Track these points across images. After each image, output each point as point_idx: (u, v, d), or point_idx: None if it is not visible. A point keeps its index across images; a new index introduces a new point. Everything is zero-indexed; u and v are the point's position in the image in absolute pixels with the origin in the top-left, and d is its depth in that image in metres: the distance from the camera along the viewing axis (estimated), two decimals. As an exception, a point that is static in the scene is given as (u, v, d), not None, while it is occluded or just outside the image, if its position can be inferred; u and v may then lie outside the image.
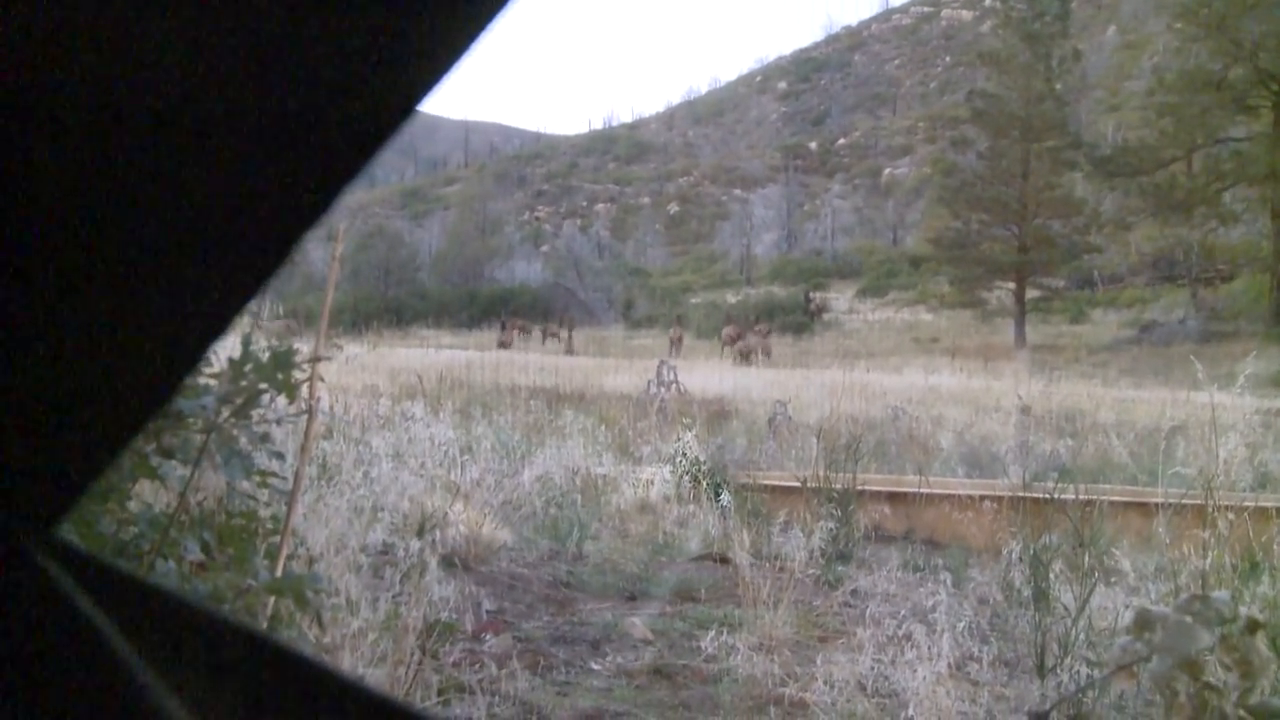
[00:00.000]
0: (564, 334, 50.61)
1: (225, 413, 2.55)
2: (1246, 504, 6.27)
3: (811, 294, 63.66)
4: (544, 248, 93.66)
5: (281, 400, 2.69)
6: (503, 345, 46.79)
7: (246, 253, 0.84)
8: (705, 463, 10.35)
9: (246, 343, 2.51)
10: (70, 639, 0.85)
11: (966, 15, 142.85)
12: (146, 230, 0.81)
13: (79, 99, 0.75)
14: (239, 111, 0.77)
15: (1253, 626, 1.92)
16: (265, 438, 2.76)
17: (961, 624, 5.40)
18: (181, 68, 0.75)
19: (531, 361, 29.46)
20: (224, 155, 0.79)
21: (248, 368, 2.49)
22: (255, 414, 2.70)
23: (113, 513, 2.64)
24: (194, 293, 0.85)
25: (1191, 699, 1.89)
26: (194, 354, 0.93)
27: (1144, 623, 1.96)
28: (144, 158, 0.78)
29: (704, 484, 9.89)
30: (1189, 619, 1.90)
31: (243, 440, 2.65)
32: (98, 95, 0.75)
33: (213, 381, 2.53)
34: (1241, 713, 1.92)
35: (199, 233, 0.82)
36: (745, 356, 40.38)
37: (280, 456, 2.97)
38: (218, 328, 0.89)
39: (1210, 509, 5.75)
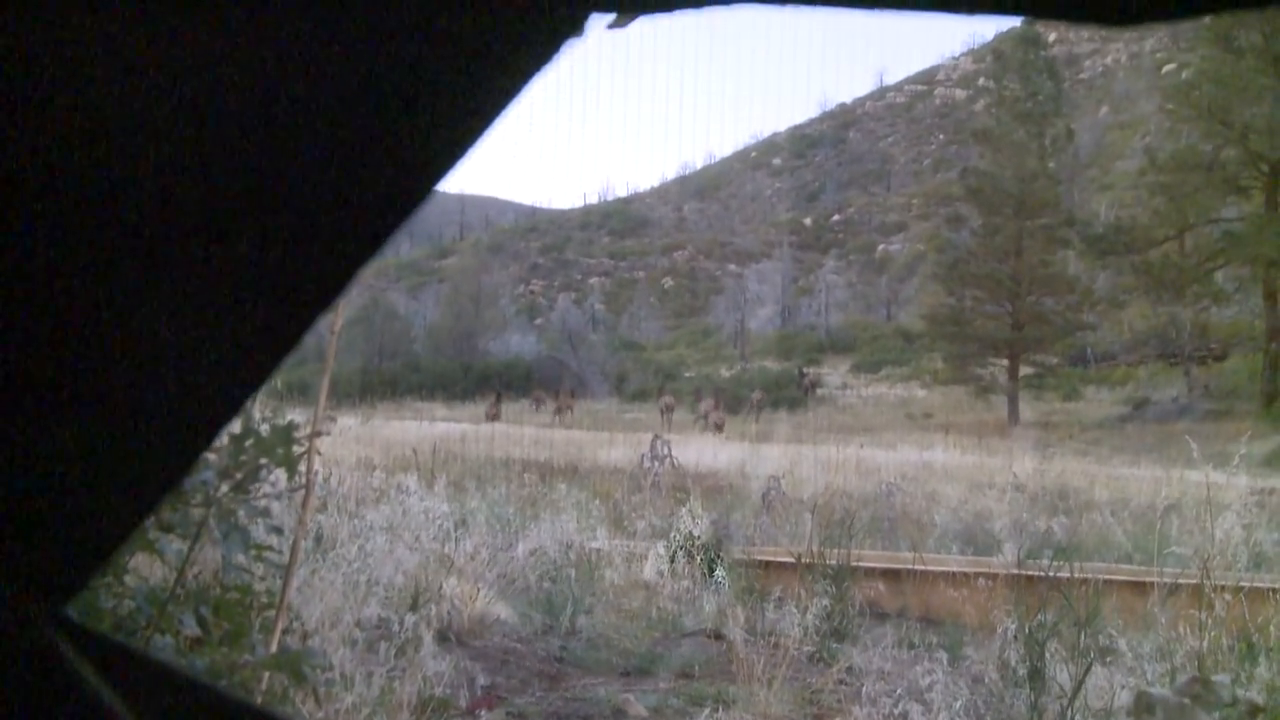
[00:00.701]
0: (563, 406, 51.03)
1: (225, 487, 2.55)
2: (1243, 584, 6.25)
3: (805, 369, 63.62)
4: (539, 321, 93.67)
5: (280, 474, 2.69)
6: (491, 418, 47.42)
7: (259, 334, 0.85)
8: (699, 538, 10.32)
9: (247, 417, 2.52)
10: (81, 717, 0.85)
11: (960, 94, 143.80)
12: (160, 313, 0.82)
13: (91, 187, 0.76)
14: (253, 196, 0.78)
15: (1253, 711, 1.91)
16: (265, 512, 2.76)
17: (958, 703, 5.38)
18: (193, 152, 0.76)
19: (525, 434, 29.42)
20: (239, 239, 0.80)
21: (248, 442, 2.50)
22: (253, 488, 2.70)
23: (110, 587, 2.64)
24: (208, 373, 0.86)
25: (1191, 782, 1.88)
26: (207, 434, 0.94)
27: (1143, 705, 1.96)
28: (159, 241, 0.79)
29: (698, 559, 9.87)
30: (1188, 702, 1.90)
31: (241, 515, 2.65)
32: (110, 181, 0.76)
33: (212, 456, 2.53)
34: (1241, 797, 1.91)
35: (212, 315, 0.83)
36: (719, 427, 41.80)
37: (279, 531, 2.97)
38: (231, 408, 0.90)
39: (1206, 589, 5.74)
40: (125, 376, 0.84)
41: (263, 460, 2.51)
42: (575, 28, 0.78)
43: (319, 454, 3.47)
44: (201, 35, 0.73)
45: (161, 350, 0.84)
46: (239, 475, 2.53)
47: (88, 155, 0.75)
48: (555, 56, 0.79)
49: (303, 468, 3.05)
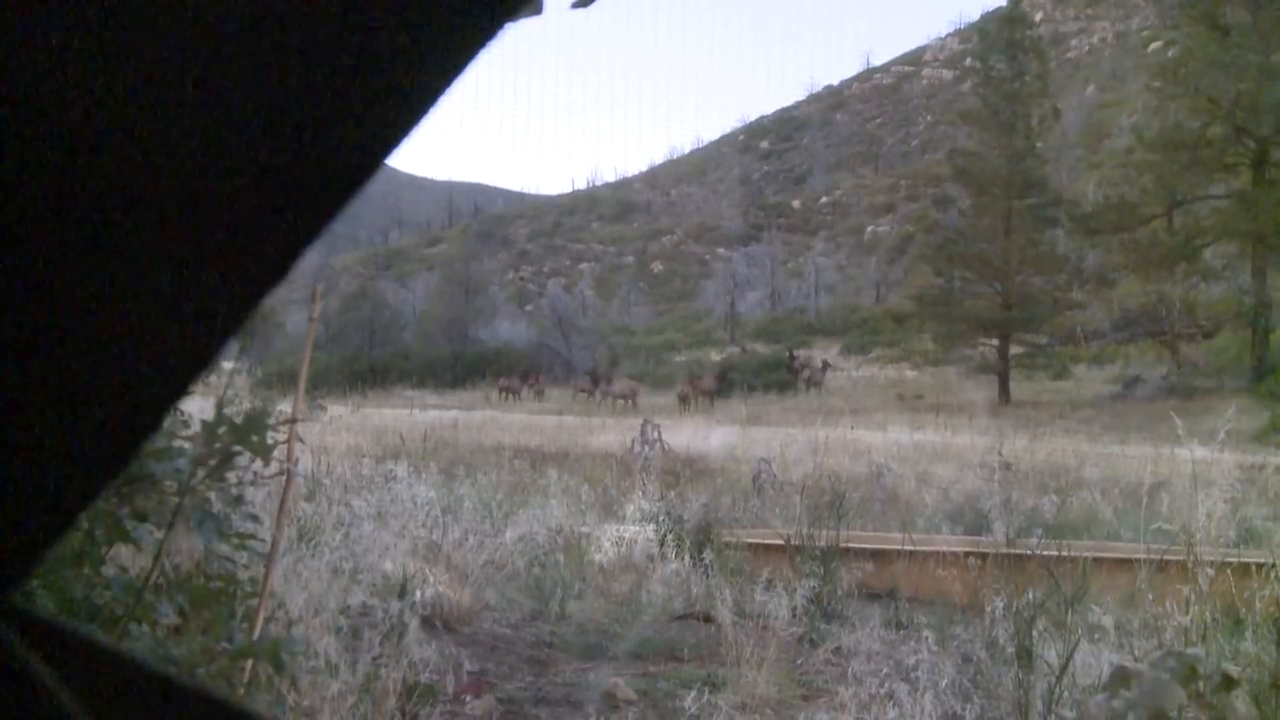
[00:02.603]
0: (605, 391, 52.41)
1: (200, 475, 2.54)
2: (1229, 560, 6.27)
3: (795, 351, 63.64)
4: (528, 307, 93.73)
5: (261, 462, 2.69)
6: (510, 391, 53.05)
7: (208, 313, 0.84)
8: (689, 521, 10.32)
9: (220, 405, 2.51)
10: (28, 708, 0.84)
11: (947, 74, 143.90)
12: (104, 290, 0.81)
13: (21, 167, 0.75)
14: (200, 170, 0.77)
15: (1228, 683, 1.91)
16: (239, 500, 2.74)
17: (945, 681, 5.39)
18: (136, 131, 0.75)
19: (515, 421, 29.44)
20: (187, 214, 0.79)
21: (221, 430, 2.49)
22: (232, 476, 2.69)
23: (86, 577, 2.63)
24: (152, 356, 0.85)
25: (1168, 756, 1.88)
26: (154, 416, 0.92)
27: (1120, 679, 1.96)
28: (105, 217, 0.78)
29: (687, 542, 9.86)
30: (1164, 676, 1.90)
31: (217, 502, 2.64)
32: (42, 161, 0.75)
33: (187, 444, 2.52)
34: (1219, 769, 1.91)
35: (159, 293, 0.82)
36: (684, 401, 46.88)
37: (255, 519, 2.95)
38: (178, 389, 0.89)
39: (1191, 565, 5.76)
40: (65, 360, 0.83)
41: (237, 448, 2.50)
42: (530, 4, 0.77)
43: (301, 441, 3.46)
44: (136, 11, 0.72)
45: (103, 332, 0.83)
46: (213, 463, 2.52)
47: (22, 133, 0.74)
48: (503, 31, 0.78)
49: (282, 455, 3.05)
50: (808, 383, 54.56)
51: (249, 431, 2.47)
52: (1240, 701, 1.92)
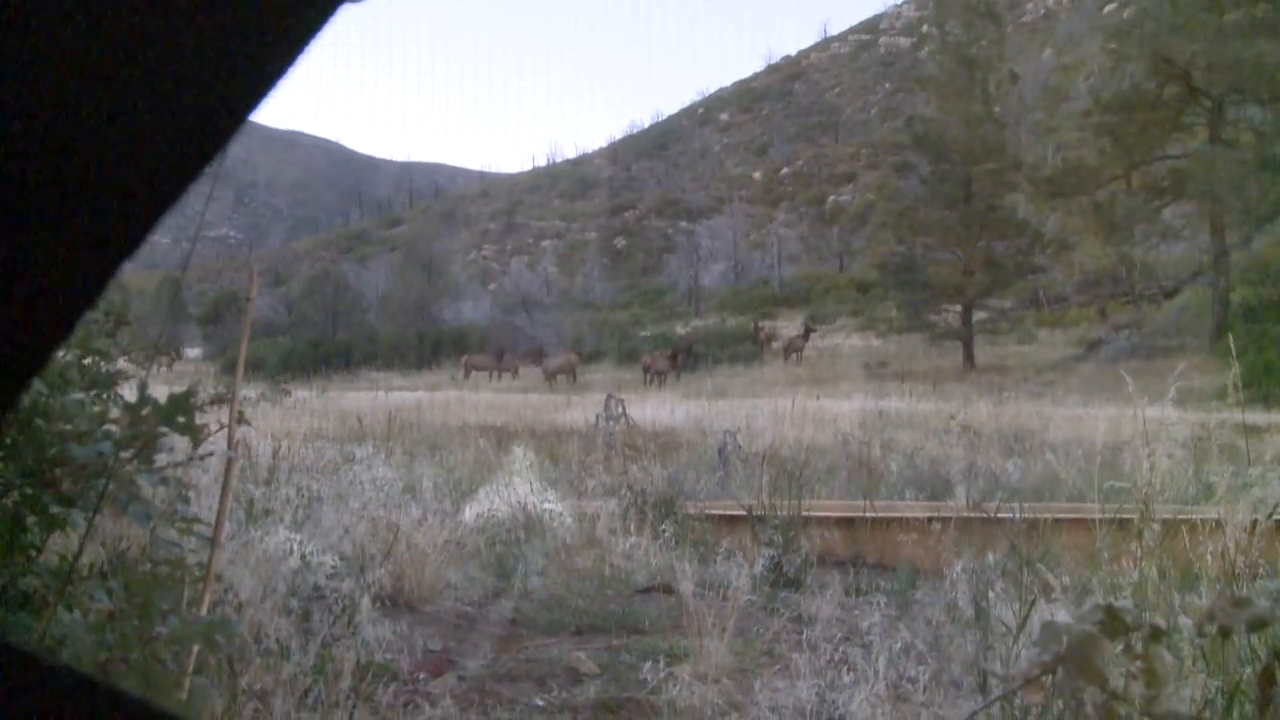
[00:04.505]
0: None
1: (125, 457, 2.51)
2: (1183, 516, 6.30)
3: (760, 323, 63.72)
4: (492, 286, 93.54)
5: (221, 444, 2.66)
6: (482, 369, 53.99)
7: (59, 285, 0.82)
8: (652, 495, 10.33)
9: (143, 386, 2.48)
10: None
11: (904, 42, 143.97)
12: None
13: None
14: (44, 143, 0.75)
15: (1156, 635, 1.91)
16: (169, 481, 2.71)
17: (901, 645, 5.41)
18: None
19: (481, 400, 29.41)
20: (35, 187, 0.77)
21: (145, 411, 2.46)
22: (168, 458, 2.66)
23: (17, 564, 2.60)
24: (3, 328, 0.83)
25: (1098, 709, 1.88)
26: (8, 395, 0.90)
27: (1050, 635, 1.96)
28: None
29: (651, 516, 9.88)
30: (1093, 629, 1.90)
31: (144, 485, 2.61)
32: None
33: (113, 427, 2.50)
34: (1150, 721, 1.91)
35: (6, 265, 0.80)
36: (660, 375, 48.00)
37: (187, 500, 2.92)
38: (32, 366, 0.87)
39: (1141, 524, 5.78)
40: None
41: (163, 430, 2.47)
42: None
43: (247, 423, 3.43)
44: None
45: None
46: (139, 445, 2.49)
47: None
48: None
49: (222, 437, 3.02)
50: (787, 351, 54.72)
51: (174, 412, 2.44)
52: (1166, 653, 1.92)
